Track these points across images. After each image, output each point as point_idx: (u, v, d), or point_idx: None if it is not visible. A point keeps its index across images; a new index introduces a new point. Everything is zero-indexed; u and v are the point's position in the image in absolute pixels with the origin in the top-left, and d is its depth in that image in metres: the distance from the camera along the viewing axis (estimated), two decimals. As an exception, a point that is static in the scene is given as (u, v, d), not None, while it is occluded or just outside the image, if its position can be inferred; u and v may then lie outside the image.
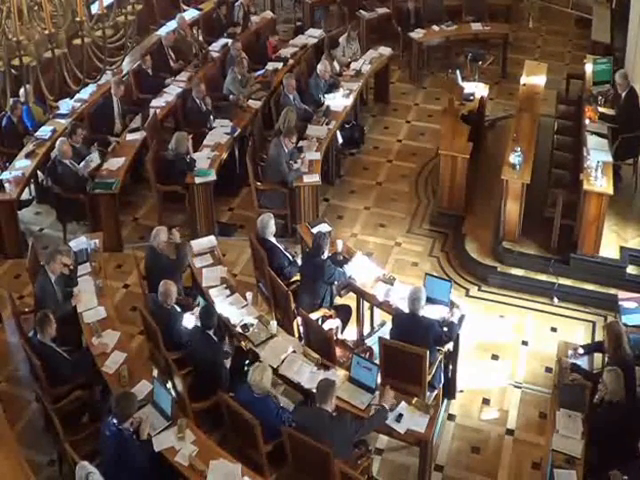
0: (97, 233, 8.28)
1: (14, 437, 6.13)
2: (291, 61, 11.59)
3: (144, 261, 7.66)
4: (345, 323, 7.44)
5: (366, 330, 7.72)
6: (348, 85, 10.78)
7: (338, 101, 10.40)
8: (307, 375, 6.45)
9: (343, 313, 7.43)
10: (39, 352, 6.42)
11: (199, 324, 6.67)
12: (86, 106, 10.29)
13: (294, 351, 6.69)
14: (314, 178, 8.92)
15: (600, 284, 8.20)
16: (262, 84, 10.87)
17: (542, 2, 14.89)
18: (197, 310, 7.14)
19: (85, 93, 10.31)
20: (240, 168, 9.83)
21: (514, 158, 8.41)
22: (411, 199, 9.86)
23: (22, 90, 6.86)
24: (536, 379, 7.34)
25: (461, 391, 7.19)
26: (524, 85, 10.41)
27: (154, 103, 10.42)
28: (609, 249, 8.36)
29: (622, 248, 8.42)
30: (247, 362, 6.80)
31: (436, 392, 6.72)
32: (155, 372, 6.97)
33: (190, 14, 12.96)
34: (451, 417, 7.00)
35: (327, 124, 9.86)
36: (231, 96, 10.41)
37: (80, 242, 7.96)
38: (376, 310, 7.63)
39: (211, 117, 9.98)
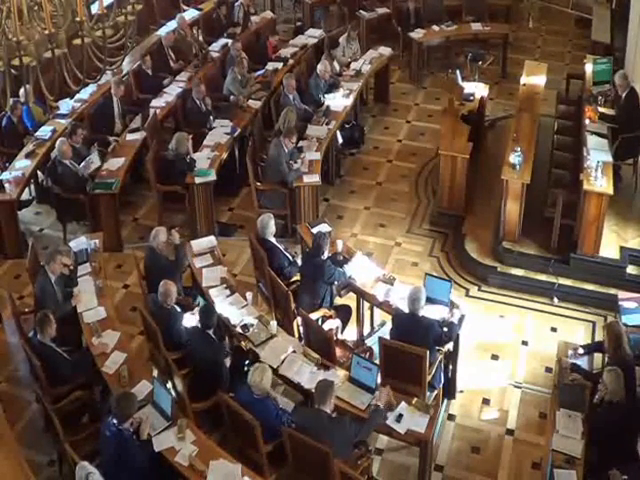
0: (97, 233, 8.28)
1: (14, 437, 6.13)
2: (291, 61, 11.60)
3: (143, 261, 7.66)
4: (345, 323, 7.44)
5: (366, 330, 7.72)
6: (348, 85, 10.78)
7: (338, 101, 10.40)
8: (307, 375, 6.45)
9: (343, 313, 7.43)
10: (39, 352, 6.42)
11: (199, 324, 6.66)
12: (86, 106, 10.29)
13: (294, 351, 6.69)
14: (314, 178, 8.92)
15: (600, 284, 8.20)
16: (262, 84, 10.88)
17: (542, 2, 14.90)
18: (197, 310, 7.14)
19: (85, 93, 10.31)
20: (240, 168, 9.83)
21: (514, 158, 8.41)
22: (411, 199, 9.87)
23: (22, 90, 6.88)
24: (536, 379, 7.34)
25: (461, 391, 7.19)
26: (524, 85, 10.41)
27: (154, 103, 10.42)
28: (609, 249, 8.36)
29: (622, 248, 8.42)
30: (247, 362, 6.80)
31: (436, 392, 6.72)
32: (155, 372, 6.97)
33: (190, 14, 12.96)
34: (451, 417, 7.00)
35: (327, 124, 9.86)
36: (231, 97, 10.41)
37: (80, 242, 7.96)
38: (376, 310, 7.63)
39: (211, 117, 9.98)
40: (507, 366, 7.51)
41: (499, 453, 6.67)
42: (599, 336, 7.57)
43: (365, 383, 6.29)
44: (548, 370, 7.32)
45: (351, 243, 8.72)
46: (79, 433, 6.14)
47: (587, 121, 9.16)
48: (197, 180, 8.86)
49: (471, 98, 10.29)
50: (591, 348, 6.78)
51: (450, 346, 6.83)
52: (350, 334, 7.55)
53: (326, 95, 10.52)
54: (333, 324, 7.27)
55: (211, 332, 6.57)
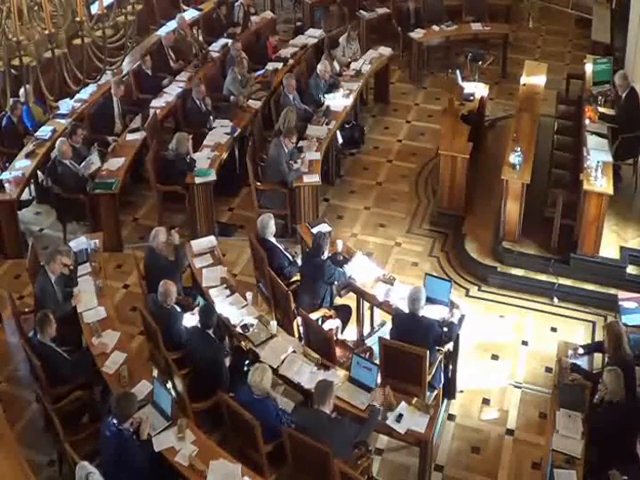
0: (97, 233, 8.28)
1: (14, 437, 6.13)
2: (291, 61, 11.59)
3: (143, 261, 7.66)
4: (345, 323, 7.44)
5: (366, 330, 7.72)
6: (348, 85, 10.78)
7: (338, 101, 10.40)
8: (307, 375, 6.45)
9: (343, 313, 7.42)
10: (39, 352, 6.42)
11: (198, 323, 6.66)
12: (86, 106, 10.29)
13: (294, 351, 6.69)
14: (314, 178, 8.92)
15: (600, 284, 8.20)
16: (262, 84, 10.88)
17: (542, 2, 14.89)
18: (197, 310, 7.13)
19: (85, 93, 10.31)
20: (240, 168, 9.83)
21: (514, 158, 8.41)
22: (411, 199, 9.87)
23: (22, 90, 6.87)
24: (536, 379, 7.34)
25: (461, 391, 7.19)
26: (524, 85, 10.41)
27: (154, 103, 10.42)
28: (609, 249, 8.36)
29: (622, 248, 8.42)
30: (247, 362, 6.80)
31: (436, 392, 6.72)
32: (155, 372, 6.97)
33: (190, 14, 12.96)
34: (451, 417, 7.00)
35: (327, 124, 9.86)
36: (231, 97, 10.41)
37: (80, 242, 7.96)
38: (376, 310, 7.63)
39: (211, 117, 9.98)
40: (507, 366, 7.51)
41: (499, 453, 6.67)
42: (599, 336, 7.57)
43: (365, 383, 6.29)
44: (548, 370, 7.32)
45: (351, 243, 8.72)
46: (79, 433, 6.14)
47: (587, 121, 9.16)
48: (197, 180, 8.86)
49: (471, 98, 10.29)
50: (591, 348, 6.78)
51: (450, 346, 6.83)
52: (350, 334, 7.55)
53: (326, 95, 10.52)
54: (333, 324, 7.27)
55: (211, 332, 6.57)
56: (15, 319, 7.04)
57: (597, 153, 8.45)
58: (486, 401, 7.15)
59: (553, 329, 7.91)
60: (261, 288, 7.87)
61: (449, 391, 7.07)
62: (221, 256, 7.91)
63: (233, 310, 7.11)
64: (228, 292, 7.32)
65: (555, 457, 5.73)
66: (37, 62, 4.33)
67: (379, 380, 6.34)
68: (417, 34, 12.42)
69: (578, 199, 8.23)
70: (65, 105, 10.11)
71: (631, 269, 8.29)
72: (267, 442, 5.85)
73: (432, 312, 6.81)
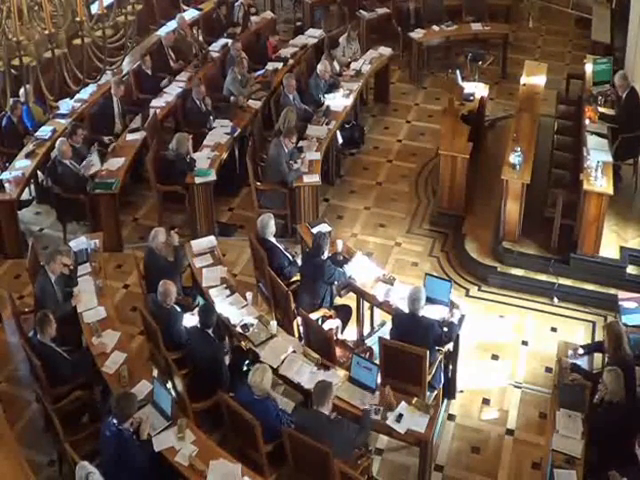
0: (97, 233, 8.28)
1: (14, 437, 6.13)
2: (291, 61, 11.59)
3: (143, 262, 7.66)
4: (345, 323, 7.44)
5: (366, 330, 7.72)
6: (348, 85, 10.78)
7: (338, 101, 10.40)
8: (307, 375, 6.45)
9: (343, 313, 7.43)
10: (39, 352, 6.42)
11: (198, 323, 6.66)
12: (86, 106, 10.29)
13: (294, 351, 6.69)
14: (314, 178, 8.92)
15: (600, 284, 8.20)
16: (262, 84, 10.87)
17: (542, 2, 14.89)
18: (197, 310, 7.13)
19: (85, 93, 10.31)
20: (240, 168, 9.83)
21: (514, 158, 8.41)
22: (411, 199, 9.87)
23: (22, 90, 6.88)
24: (536, 379, 7.34)
25: (461, 391, 7.19)
26: (524, 85, 10.40)
27: (154, 103, 10.42)
28: (609, 249, 8.36)
29: (622, 248, 8.42)
30: (247, 362, 6.80)
31: (436, 392, 6.72)
32: (155, 372, 6.97)
33: (190, 14, 12.96)
34: (451, 417, 7.00)
35: (327, 124, 9.86)
36: (232, 97, 10.40)
37: (80, 242, 7.96)
38: (376, 310, 7.64)
39: (211, 117, 9.98)
40: (507, 366, 7.51)
41: (499, 453, 6.67)
42: (599, 336, 7.57)
43: (365, 383, 6.30)
44: (548, 370, 7.32)
45: (351, 243, 8.72)
46: (79, 433, 6.14)
47: (587, 121, 9.16)
48: (197, 180, 8.86)
49: (471, 98, 10.29)
50: (591, 348, 6.78)
51: (450, 346, 6.83)
52: (350, 334, 7.55)
53: (326, 95, 10.51)
54: (333, 324, 7.27)
55: (210, 331, 6.57)
56: (15, 319, 7.04)
57: (597, 153, 8.45)
58: (486, 401, 7.15)
59: (553, 329, 7.91)
60: (261, 288, 7.87)
61: (449, 391, 7.07)
62: (221, 256, 7.91)
63: (233, 310, 7.11)
64: (228, 292, 7.32)
65: (555, 457, 5.73)
66: (37, 62, 4.33)
67: (379, 380, 6.34)
68: (417, 34, 12.42)
69: (578, 199, 8.23)
70: (65, 105, 10.11)
71: (631, 269, 8.29)
72: (267, 442, 5.85)
73: (432, 312, 6.81)
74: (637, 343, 6.53)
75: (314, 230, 7.88)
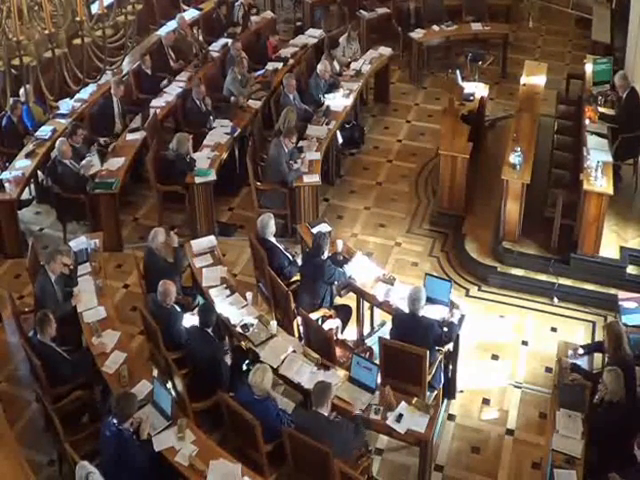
0: (97, 233, 8.28)
1: (14, 437, 6.13)
2: (291, 61, 11.59)
3: (143, 262, 7.66)
4: (345, 323, 7.44)
5: (366, 330, 7.72)
6: (348, 85, 10.78)
7: (338, 101, 10.40)
8: (307, 375, 6.44)
9: (343, 313, 7.43)
10: (39, 352, 6.42)
11: (198, 322, 6.66)
12: (86, 106, 10.29)
13: (294, 351, 6.69)
14: (314, 178, 8.92)
15: (600, 284, 8.20)
16: (262, 84, 10.87)
17: (542, 2, 14.89)
18: (197, 310, 7.13)
19: (85, 93, 10.31)
20: (240, 168, 9.83)
21: (514, 158, 8.41)
22: (411, 199, 9.86)
23: (22, 90, 6.88)
24: (536, 379, 7.34)
25: (461, 391, 7.19)
26: (524, 85, 10.40)
27: (154, 103, 10.42)
28: (609, 249, 8.36)
29: (622, 248, 8.42)
30: (247, 362, 6.80)
31: (436, 392, 6.72)
32: (155, 372, 6.97)
33: (190, 14, 12.96)
34: (451, 417, 7.00)
35: (327, 124, 9.86)
36: (232, 97, 10.40)
37: (80, 242, 7.96)
38: (376, 310, 7.64)
39: (211, 117, 9.98)
40: (507, 366, 7.51)
41: (499, 453, 6.67)
42: (599, 336, 7.57)
43: (365, 383, 6.30)
44: (548, 370, 7.32)
45: (351, 243, 8.71)
46: (79, 433, 6.14)
47: (587, 121, 9.16)
48: (197, 180, 8.86)
49: (471, 98, 10.29)
50: (591, 348, 6.78)
51: (450, 346, 6.83)
52: (350, 334, 7.55)
53: (326, 95, 10.51)
54: (333, 324, 7.27)
55: (210, 331, 6.57)
56: (15, 319, 7.04)
57: (597, 153, 8.45)
58: (486, 401, 7.15)
59: (553, 329, 7.91)
60: (261, 288, 7.87)
61: (449, 391, 7.07)
62: (221, 256, 7.91)
63: (233, 310, 7.11)
64: (228, 292, 7.32)
65: (555, 457, 5.73)
66: (37, 62, 4.33)
67: (379, 380, 6.34)
68: (417, 34, 12.42)
69: (578, 199, 8.23)
70: (65, 105, 10.11)
71: (631, 269, 8.29)
72: (267, 442, 5.85)
73: (432, 312, 6.81)
74: (637, 343, 6.53)
75: (314, 230, 7.88)
